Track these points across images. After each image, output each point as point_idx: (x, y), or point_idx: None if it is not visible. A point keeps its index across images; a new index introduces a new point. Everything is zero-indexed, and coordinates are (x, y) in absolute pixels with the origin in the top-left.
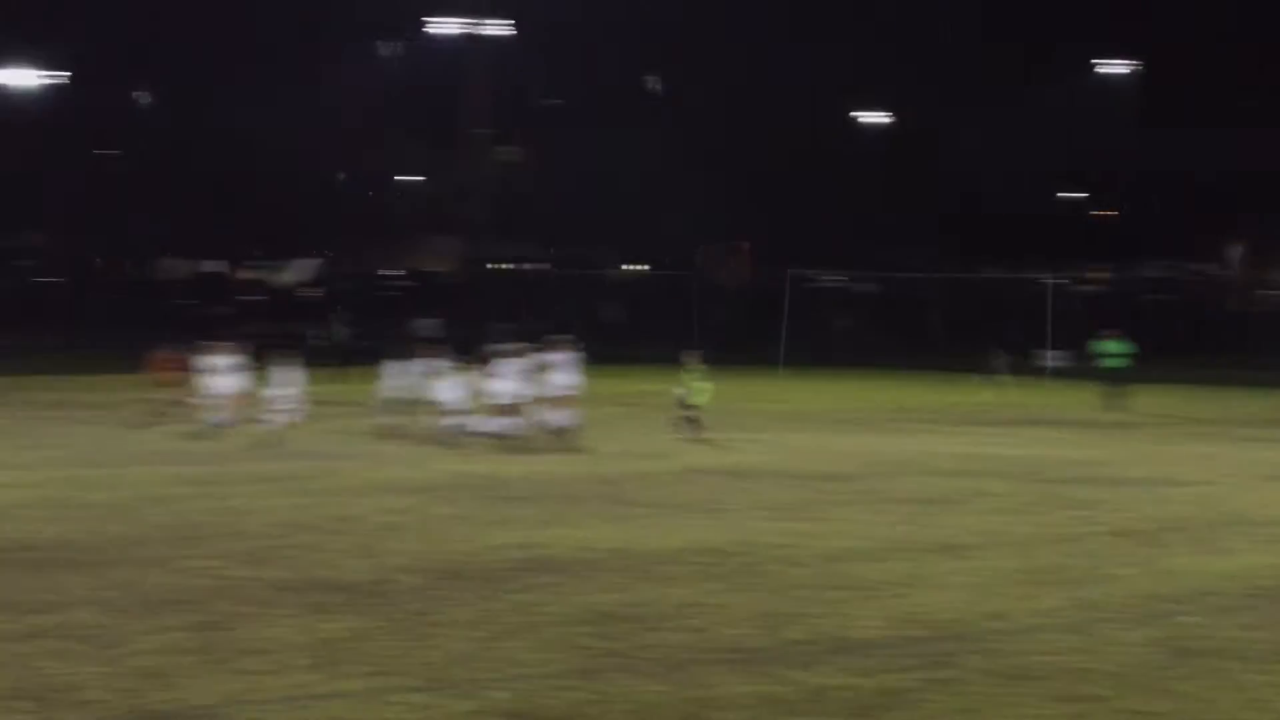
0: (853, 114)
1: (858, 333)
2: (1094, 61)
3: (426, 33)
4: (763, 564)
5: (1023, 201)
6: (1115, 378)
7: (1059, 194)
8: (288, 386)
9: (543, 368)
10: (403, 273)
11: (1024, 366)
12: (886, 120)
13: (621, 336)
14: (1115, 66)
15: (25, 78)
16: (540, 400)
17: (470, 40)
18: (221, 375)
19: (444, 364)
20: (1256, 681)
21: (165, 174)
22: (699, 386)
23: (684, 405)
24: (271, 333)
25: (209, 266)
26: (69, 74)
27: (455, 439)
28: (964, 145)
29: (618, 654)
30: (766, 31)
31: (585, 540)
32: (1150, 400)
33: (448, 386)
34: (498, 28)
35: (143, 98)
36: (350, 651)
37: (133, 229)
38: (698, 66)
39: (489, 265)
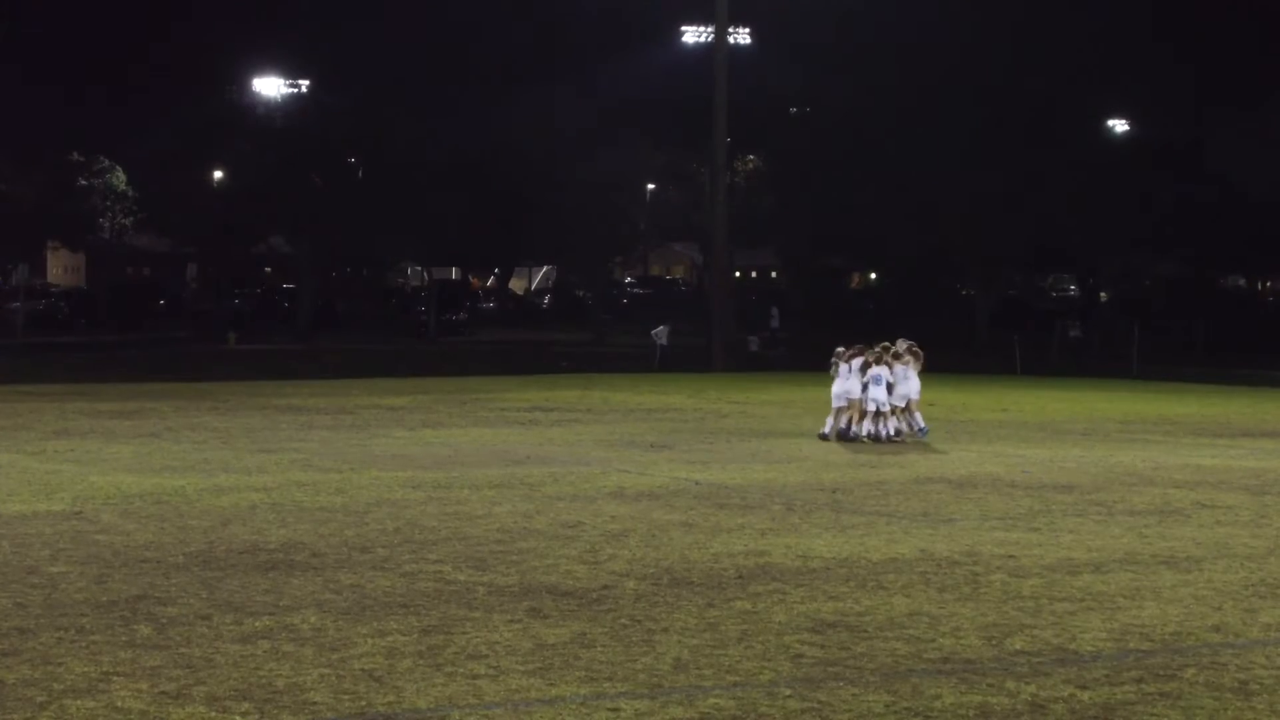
0: (1108, 120)
1: (1093, 341)
2: None
3: (673, 41)
4: (987, 574)
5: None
6: None
7: None
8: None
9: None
10: (634, 280)
11: (1262, 377)
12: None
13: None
14: None
15: (270, 86)
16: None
17: (714, 48)
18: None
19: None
20: None
21: (407, 182)
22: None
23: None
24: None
25: (447, 273)
26: (312, 82)
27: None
28: (1223, 152)
29: (837, 663)
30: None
31: (808, 548)
32: None
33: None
34: (742, 36)
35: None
36: (570, 657)
37: (372, 237)
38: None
39: (735, 274)
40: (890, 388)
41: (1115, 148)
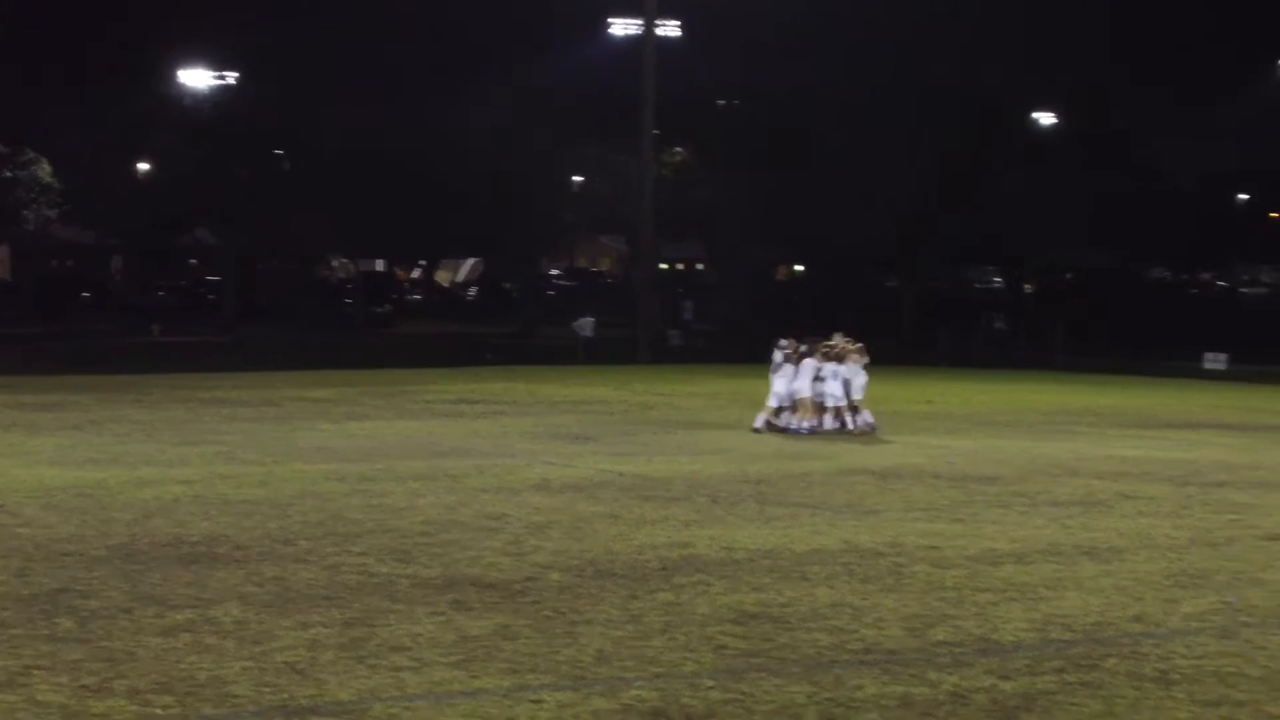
0: (1034, 114)
1: (1018, 333)
2: None
3: (600, 32)
4: (910, 565)
5: (1201, 202)
6: None
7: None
8: None
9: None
10: (560, 272)
11: (1187, 369)
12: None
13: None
14: None
15: (197, 78)
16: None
17: (643, 41)
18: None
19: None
20: None
21: (334, 174)
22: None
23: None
24: None
25: (373, 265)
26: (240, 74)
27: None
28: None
29: (760, 654)
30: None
31: (733, 540)
32: None
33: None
34: (670, 29)
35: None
36: (493, 649)
37: (298, 229)
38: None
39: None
40: (847, 384)
41: (1044, 141)
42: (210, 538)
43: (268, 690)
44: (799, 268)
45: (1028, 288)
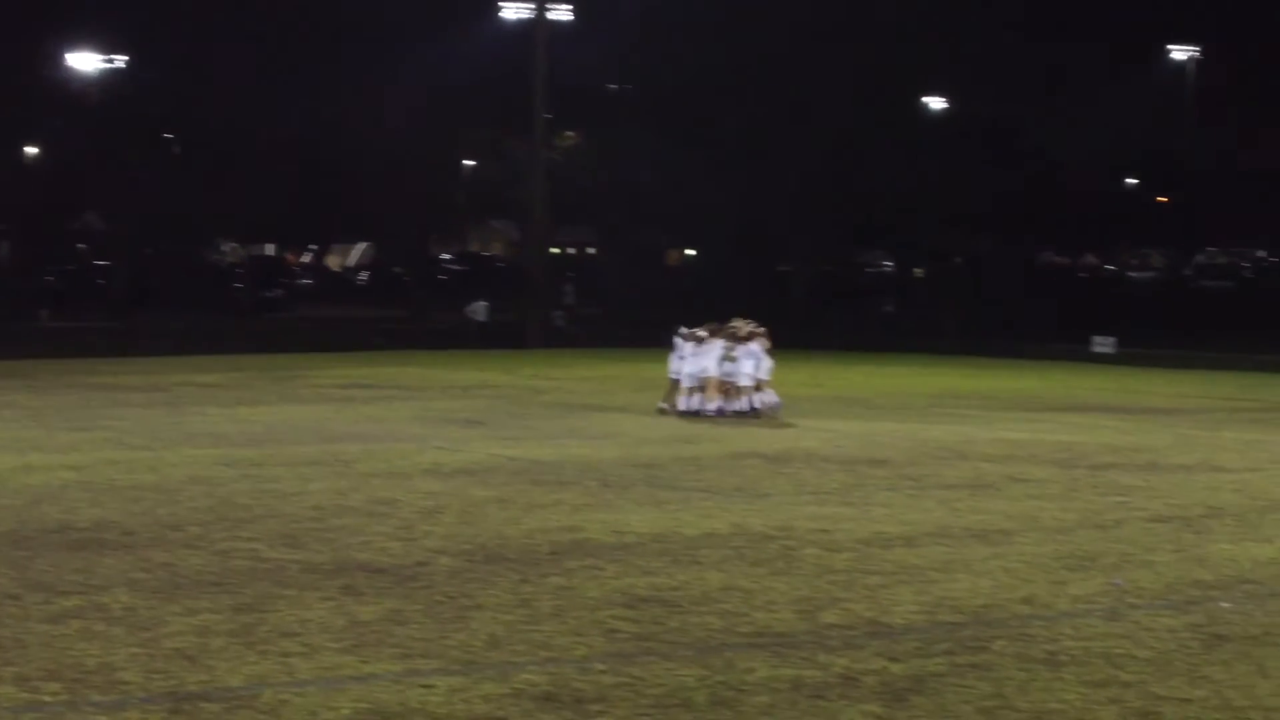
0: (919, 100)
1: (907, 317)
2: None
3: (491, 16)
4: (800, 549)
5: (1084, 187)
6: None
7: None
8: None
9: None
10: (452, 256)
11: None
12: (947, 107)
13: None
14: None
15: (85, 61)
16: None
17: (534, 25)
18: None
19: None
20: None
21: (223, 158)
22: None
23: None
24: None
25: (264, 250)
26: (129, 58)
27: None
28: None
29: (651, 637)
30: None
31: (623, 524)
32: (1202, 386)
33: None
34: (561, 13)
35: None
36: (384, 634)
37: (188, 213)
38: (756, 56)
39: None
40: (758, 365)
41: (933, 124)
42: (99, 524)
43: (157, 677)
44: (690, 251)
45: (917, 271)
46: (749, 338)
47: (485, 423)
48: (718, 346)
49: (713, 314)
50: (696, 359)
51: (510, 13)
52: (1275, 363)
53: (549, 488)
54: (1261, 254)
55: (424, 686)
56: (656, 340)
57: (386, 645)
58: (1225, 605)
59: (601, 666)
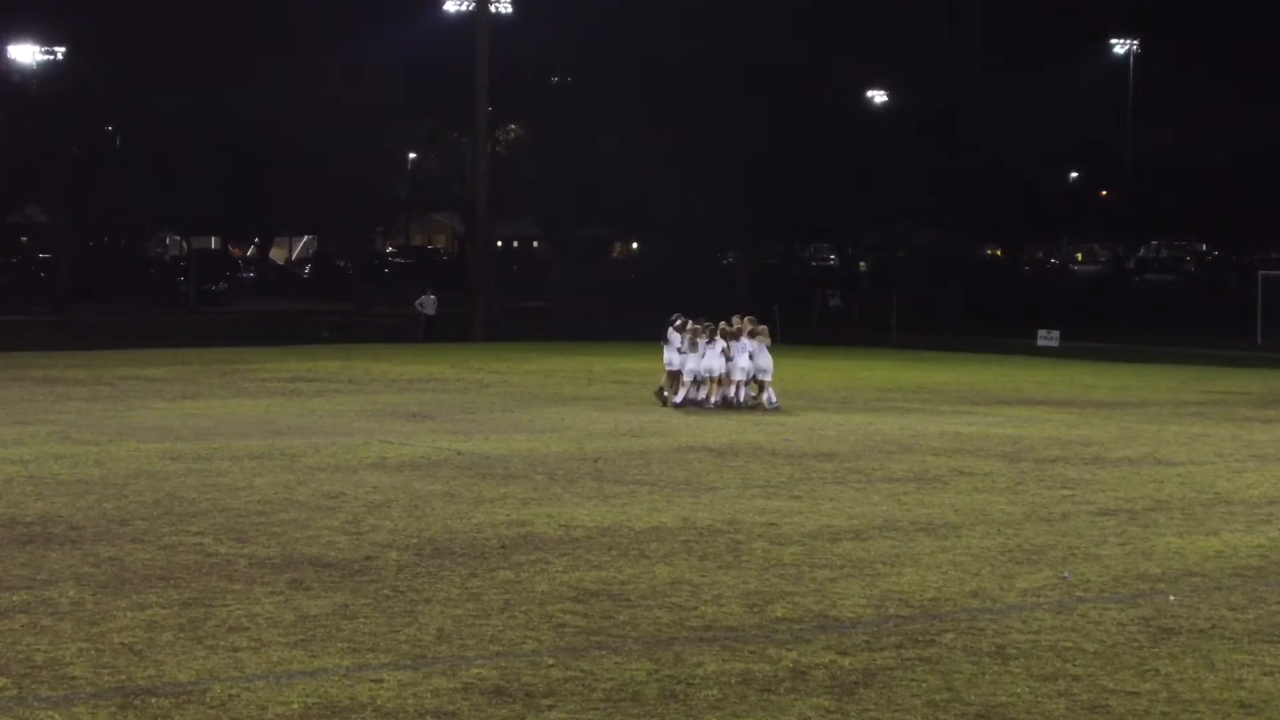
0: (863, 93)
1: (852, 311)
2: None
3: (432, 9)
4: (748, 542)
5: (1032, 180)
6: None
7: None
8: None
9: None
10: (395, 250)
11: (1020, 346)
12: (890, 98)
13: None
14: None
15: (25, 53)
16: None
17: (476, 18)
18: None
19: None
20: (1239, 661)
21: (165, 151)
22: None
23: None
24: None
25: (206, 243)
26: (65, 49)
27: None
28: (977, 125)
29: (600, 631)
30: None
31: (571, 518)
32: (1147, 379)
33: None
34: (504, 4)
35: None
36: (333, 628)
37: (131, 206)
38: (704, 48)
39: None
40: (751, 358)
41: (875, 118)
42: (45, 518)
43: (105, 672)
44: (635, 245)
45: (862, 265)
46: (739, 334)
47: (432, 416)
48: (720, 346)
49: (668, 307)
50: (701, 359)
51: (452, 4)
52: (1218, 356)
53: (496, 481)
54: (1203, 248)
55: (373, 681)
56: (600, 334)
57: (335, 639)
58: (1172, 599)
59: (551, 660)
